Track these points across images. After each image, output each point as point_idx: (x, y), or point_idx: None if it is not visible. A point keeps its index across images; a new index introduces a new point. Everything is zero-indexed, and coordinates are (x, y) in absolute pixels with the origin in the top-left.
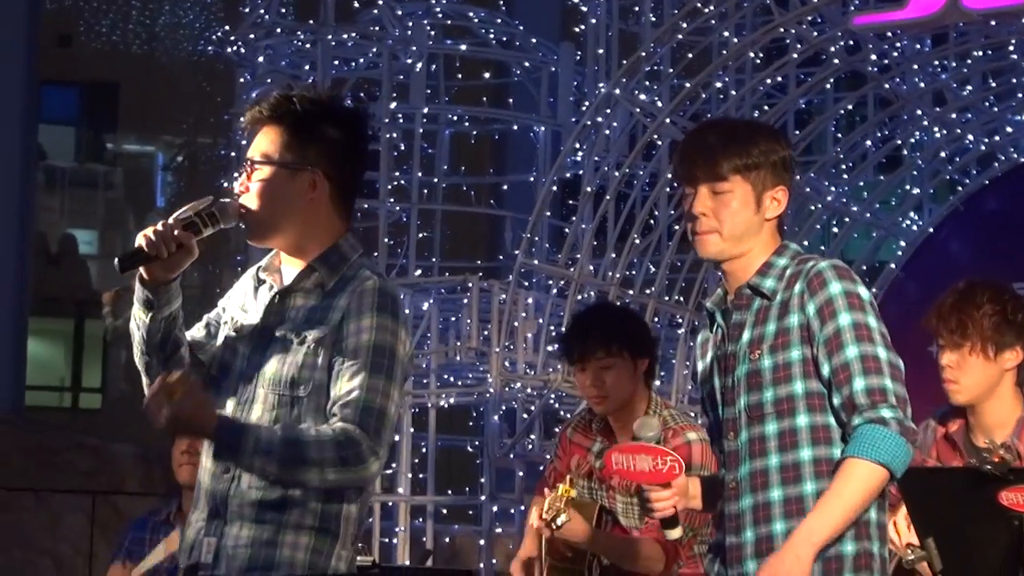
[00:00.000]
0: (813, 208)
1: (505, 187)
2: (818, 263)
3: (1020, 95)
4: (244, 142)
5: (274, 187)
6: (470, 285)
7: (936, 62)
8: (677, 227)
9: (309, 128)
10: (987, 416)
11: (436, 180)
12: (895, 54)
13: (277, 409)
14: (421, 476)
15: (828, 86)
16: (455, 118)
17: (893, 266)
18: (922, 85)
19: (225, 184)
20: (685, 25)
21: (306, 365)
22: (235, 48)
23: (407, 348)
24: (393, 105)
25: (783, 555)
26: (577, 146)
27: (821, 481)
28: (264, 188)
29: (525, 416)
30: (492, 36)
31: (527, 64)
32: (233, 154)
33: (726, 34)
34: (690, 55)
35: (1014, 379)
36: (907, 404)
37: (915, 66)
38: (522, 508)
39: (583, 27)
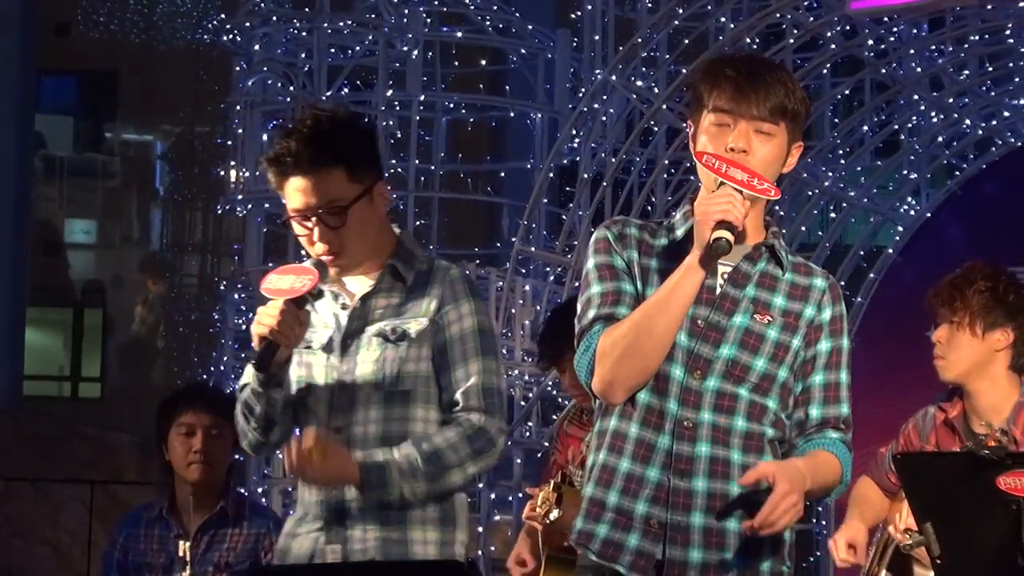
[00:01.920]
0: (810, 193)
1: (502, 174)
2: (828, 274)
3: (1017, 79)
4: (240, 130)
5: (365, 222)
6: (467, 272)
7: (933, 47)
8: (674, 213)
9: (361, 151)
10: (982, 399)
11: (433, 168)
12: (892, 39)
13: (384, 406)
14: None
15: (825, 71)
16: (451, 105)
17: (890, 251)
18: (919, 70)
19: (222, 173)
20: (681, 11)
21: (409, 359)
22: (231, 36)
23: (497, 331)
24: (389, 93)
25: (799, 479)
26: (574, 132)
27: (775, 458)
28: (358, 227)
29: (523, 403)
30: (488, 23)
31: (523, 51)
32: (230, 143)
33: (723, 20)
34: (686, 41)
35: (1007, 362)
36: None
37: (912, 51)
38: (520, 496)
39: (579, 13)
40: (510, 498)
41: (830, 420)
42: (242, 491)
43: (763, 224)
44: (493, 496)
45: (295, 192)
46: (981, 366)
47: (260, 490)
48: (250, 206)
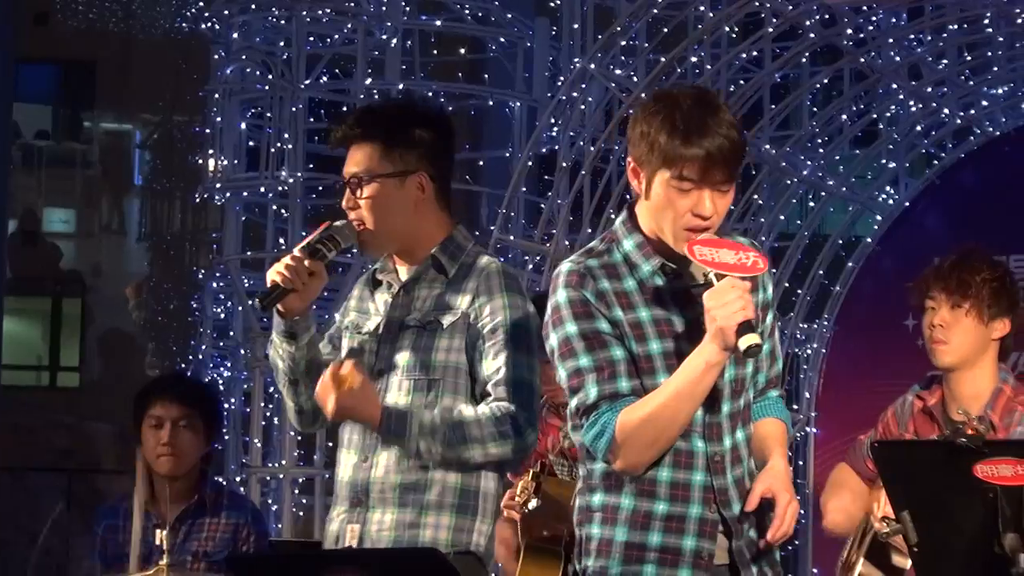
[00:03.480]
0: (789, 183)
1: (481, 163)
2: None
3: (996, 68)
4: (219, 119)
5: (386, 199)
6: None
7: (912, 36)
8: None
9: (403, 135)
10: (964, 386)
11: None
12: (871, 28)
13: (412, 394)
14: None
15: (804, 60)
16: (430, 94)
17: (869, 240)
18: (898, 59)
19: (200, 161)
20: (660, 0)
21: (439, 348)
22: (210, 24)
23: (536, 322)
24: (368, 81)
25: (784, 471)
26: (553, 121)
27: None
28: (377, 202)
29: None
30: (467, 11)
31: (502, 39)
32: (208, 131)
33: (701, 8)
34: (665, 30)
35: (996, 351)
36: None
37: (891, 40)
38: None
39: (558, 2)
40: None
41: (772, 380)
42: (220, 480)
43: None
44: None
45: (348, 159)
46: (978, 353)
47: (238, 479)
48: (228, 195)
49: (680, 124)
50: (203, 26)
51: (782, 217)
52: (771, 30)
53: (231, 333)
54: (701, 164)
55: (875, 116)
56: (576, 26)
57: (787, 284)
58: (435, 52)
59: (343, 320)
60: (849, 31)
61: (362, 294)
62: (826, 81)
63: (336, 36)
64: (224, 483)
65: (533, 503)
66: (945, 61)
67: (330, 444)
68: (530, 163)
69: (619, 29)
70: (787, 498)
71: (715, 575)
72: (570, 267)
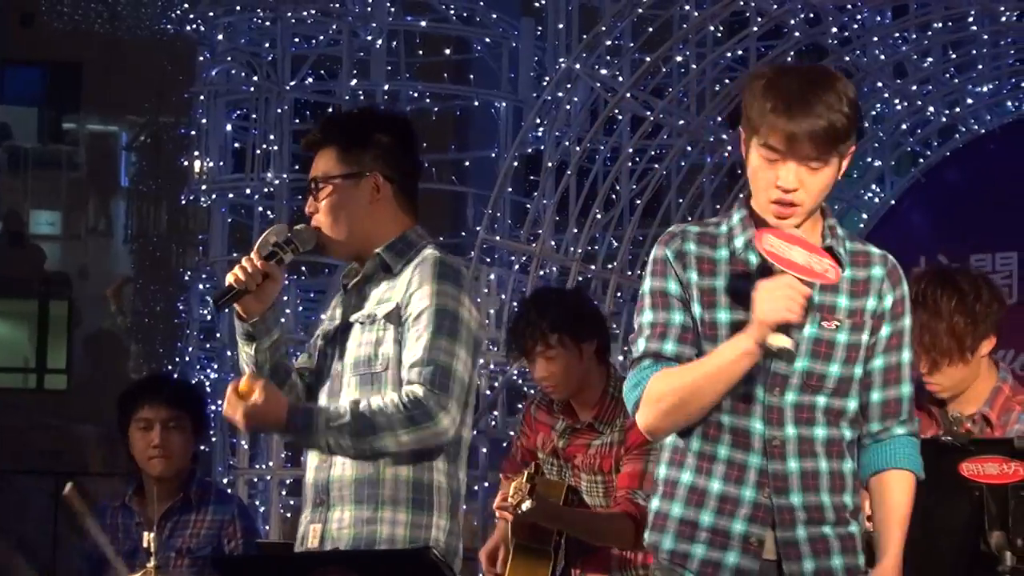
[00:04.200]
0: None
1: (467, 163)
2: (887, 253)
3: (980, 66)
4: (204, 120)
5: (342, 200)
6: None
7: (896, 34)
8: (638, 201)
9: (359, 138)
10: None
11: None
12: (855, 26)
13: (359, 389)
14: None
15: (789, 59)
16: (416, 94)
17: None
18: (883, 57)
19: (185, 163)
20: (645, 0)
21: (379, 341)
22: (195, 26)
23: (473, 314)
24: (354, 82)
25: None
26: (538, 121)
27: (853, 461)
28: (334, 203)
29: (488, 392)
30: (452, 12)
31: (488, 40)
32: (193, 133)
33: (687, 8)
34: (650, 29)
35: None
36: None
37: (875, 38)
38: (486, 485)
39: (543, 2)
40: (475, 488)
41: (890, 404)
42: (208, 479)
43: (818, 217)
44: None
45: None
46: (972, 377)
47: (225, 480)
48: (214, 196)
49: (776, 92)
50: (188, 28)
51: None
52: (756, 29)
53: (218, 335)
54: (786, 134)
55: (860, 114)
56: (561, 26)
57: None
58: (420, 53)
59: (321, 329)
60: (834, 30)
61: (336, 301)
62: None
63: (321, 37)
64: (211, 481)
65: (527, 504)
66: (930, 59)
67: None
68: (516, 163)
69: (604, 29)
70: None
71: (762, 568)
72: (671, 228)
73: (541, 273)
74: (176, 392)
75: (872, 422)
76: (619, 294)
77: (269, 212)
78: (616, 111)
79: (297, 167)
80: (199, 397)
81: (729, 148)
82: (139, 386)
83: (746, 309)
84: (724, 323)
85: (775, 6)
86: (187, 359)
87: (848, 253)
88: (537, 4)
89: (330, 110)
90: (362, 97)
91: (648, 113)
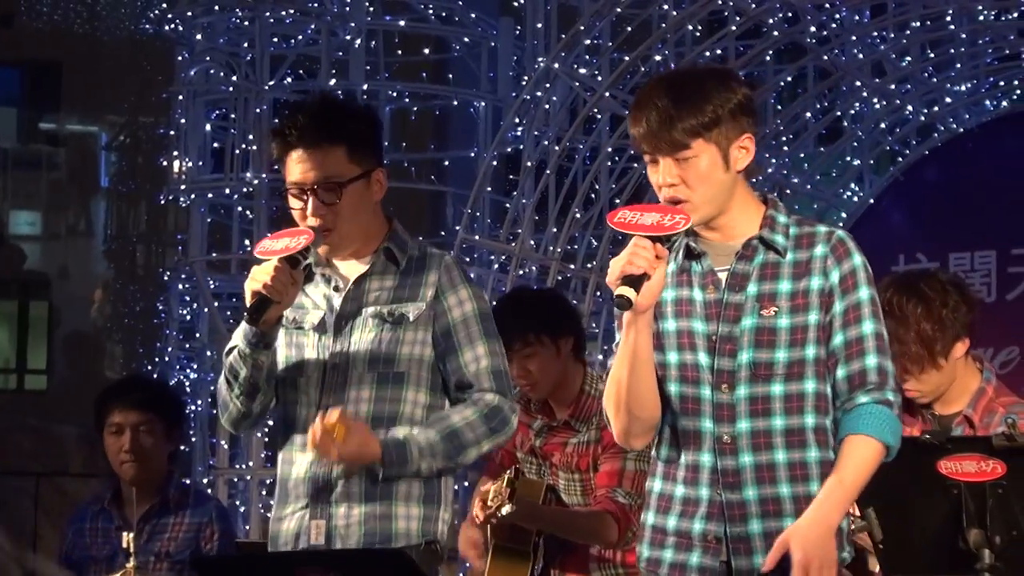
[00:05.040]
0: (754, 180)
1: (446, 162)
2: (836, 229)
3: (959, 65)
4: (183, 120)
5: (358, 200)
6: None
7: (875, 33)
8: (618, 200)
9: (363, 135)
10: (948, 392)
11: None
12: (834, 25)
13: (376, 386)
14: None
15: (767, 58)
16: (395, 94)
17: None
18: (861, 56)
19: (165, 163)
20: None
21: (406, 341)
22: (173, 26)
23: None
24: (333, 82)
25: (814, 526)
26: (517, 121)
27: (822, 449)
28: (352, 204)
29: None
30: (431, 11)
31: (466, 39)
32: (172, 132)
33: (665, 7)
34: (629, 28)
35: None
36: (898, 384)
37: (854, 37)
38: (466, 484)
39: (522, 1)
40: (455, 487)
41: (854, 378)
42: (186, 480)
43: (758, 210)
44: None
45: (296, 165)
46: (951, 380)
47: (205, 480)
48: (193, 196)
49: (633, 102)
50: (167, 28)
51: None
52: (735, 28)
53: (197, 335)
54: (643, 134)
55: (839, 113)
56: (540, 25)
57: None
58: (399, 52)
59: (289, 319)
60: (812, 28)
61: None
62: (790, 79)
63: (300, 37)
64: (190, 483)
65: (507, 508)
66: (908, 58)
67: None
68: (495, 163)
69: (583, 28)
70: (801, 565)
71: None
72: None
73: (521, 272)
74: (147, 396)
75: (840, 397)
76: (598, 293)
77: (248, 212)
78: (595, 110)
79: (276, 167)
80: (172, 399)
81: None
82: (111, 390)
83: (688, 316)
84: (672, 332)
85: (753, 5)
86: (166, 359)
87: (792, 238)
88: (516, 3)
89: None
90: (341, 96)
91: (627, 112)
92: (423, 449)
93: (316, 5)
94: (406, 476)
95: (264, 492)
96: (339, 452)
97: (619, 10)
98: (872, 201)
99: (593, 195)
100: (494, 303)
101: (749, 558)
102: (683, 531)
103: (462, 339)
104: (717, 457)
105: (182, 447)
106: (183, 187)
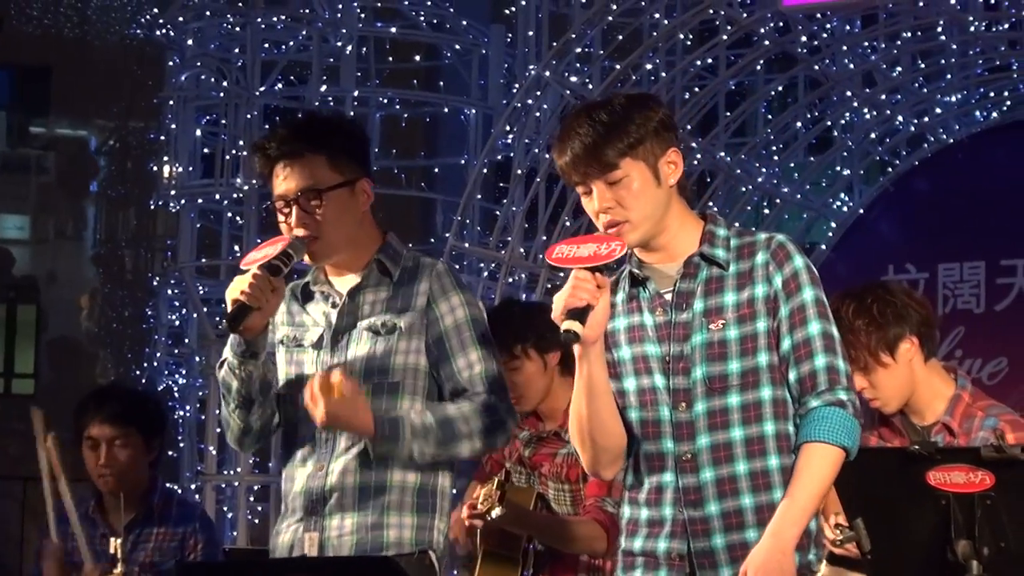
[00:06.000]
0: (744, 190)
1: (436, 170)
2: (775, 235)
3: (949, 76)
4: (173, 125)
5: (341, 209)
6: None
7: (866, 43)
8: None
9: (344, 145)
10: (919, 400)
11: None
12: (825, 35)
13: (372, 397)
14: None
15: (758, 67)
16: (386, 101)
17: (824, 247)
18: (852, 66)
19: (155, 168)
20: (615, 7)
21: (399, 351)
22: (164, 31)
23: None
24: (323, 88)
25: (770, 553)
26: (508, 128)
27: (783, 456)
28: (334, 213)
29: None
30: (423, 18)
31: (458, 47)
32: (163, 137)
33: (656, 16)
34: (620, 37)
35: (923, 360)
36: (852, 382)
37: (845, 47)
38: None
39: (513, 9)
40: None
41: (805, 380)
42: (171, 488)
43: (697, 226)
44: None
45: (279, 178)
46: (910, 383)
47: (193, 487)
48: (183, 201)
49: (557, 150)
50: (158, 32)
51: (736, 224)
52: (725, 38)
53: (186, 340)
54: (568, 167)
55: (829, 123)
56: (531, 33)
57: None
58: (390, 59)
59: (273, 336)
60: (803, 38)
61: (290, 308)
62: (780, 88)
63: (291, 43)
64: (175, 491)
65: (497, 511)
66: (899, 69)
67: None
68: (485, 170)
69: (574, 36)
70: None
71: None
72: None
73: (510, 280)
74: (122, 408)
75: (797, 403)
76: None
77: (238, 218)
78: None
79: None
80: (150, 409)
81: (698, 156)
82: (87, 401)
83: (641, 341)
84: (627, 359)
85: (745, 15)
86: (155, 364)
87: (733, 250)
88: (507, 11)
89: (300, 116)
90: (331, 103)
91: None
92: (416, 429)
93: (307, 11)
94: (398, 457)
95: (252, 499)
96: (327, 407)
97: (610, 18)
98: (862, 211)
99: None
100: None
101: (715, 571)
102: (649, 551)
103: (455, 346)
104: (678, 476)
105: (170, 452)
106: (173, 192)
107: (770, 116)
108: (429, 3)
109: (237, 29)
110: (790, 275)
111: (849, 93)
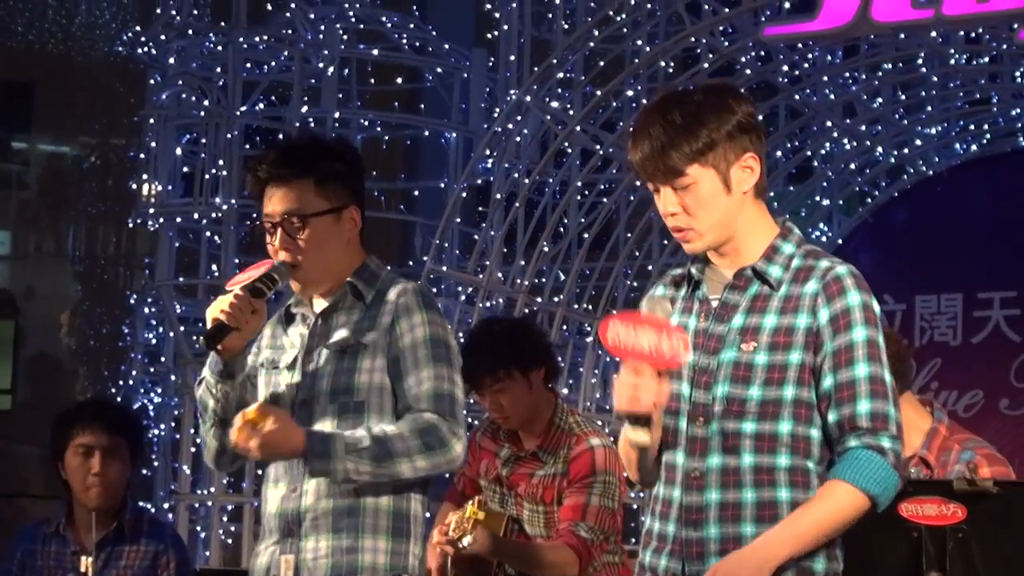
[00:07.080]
0: None
1: (416, 193)
2: (836, 266)
3: (930, 108)
4: (154, 144)
5: (326, 235)
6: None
7: (847, 74)
8: (586, 235)
9: (333, 171)
10: None
11: None
12: (806, 65)
13: (339, 417)
14: None
15: None
16: (367, 123)
17: None
18: (832, 97)
19: (135, 186)
20: (597, 33)
21: (363, 370)
22: (147, 49)
23: (454, 341)
24: (304, 109)
25: (745, 559)
26: (488, 152)
27: (796, 490)
28: (317, 239)
29: None
30: (405, 41)
31: (440, 70)
32: (143, 156)
33: (639, 42)
34: (602, 63)
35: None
36: (902, 433)
37: (825, 77)
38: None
39: (496, 33)
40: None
41: (844, 423)
42: (142, 506)
43: (768, 236)
44: None
45: (267, 199)
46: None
47: (167, 506)
48: (162, 220)
49: (632, 138)
50: (140, 50)
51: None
52: (707, 65)
53: (162, 359)
54: (638, 165)
55: (809, 153)
56: (513, 58)
57: None
58: (372, 81)
59: (256, 359)
60: (784, 68)
61: (275, 331)
62: (761, 117)
63: (273, 63)
64: (147, 509)
65: (468, 540)
66: (879, 100)
67: (259, 472)
68: (465, 194)
69: (556, 61)
70: None
71: None
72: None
73: (488, 304)
74: (117, 418)
75: (834, 443)
76: (564, 327)
77: (216, 237)
78: (566, 144)
79: (246, 193)
80: (137, 423)
81: None
82: (78, 410)
83: (686, 348)
84: None
85: (726, 43)
86: (131, 382)
87: (792, 271)
88: (490, 36)
89: (280, 136)
90: (312, 124)
91: (598, 147)
92: (349, 446)
93: (290, 32)
94: (333, 475)
95: (225, 519)
96: (258, 440)
97: (592, 45)
98: (840, 241)
99: (562, 229)
100: (464, 335)
101: None
102: (652, 567)
103: (409, 364)
104: (684, 492)
105: (144, 471)
106: (152, 210)
107: None
108: (412, 26)
109: (219, 48)
110: (840, 311)
111: (829, 123)
